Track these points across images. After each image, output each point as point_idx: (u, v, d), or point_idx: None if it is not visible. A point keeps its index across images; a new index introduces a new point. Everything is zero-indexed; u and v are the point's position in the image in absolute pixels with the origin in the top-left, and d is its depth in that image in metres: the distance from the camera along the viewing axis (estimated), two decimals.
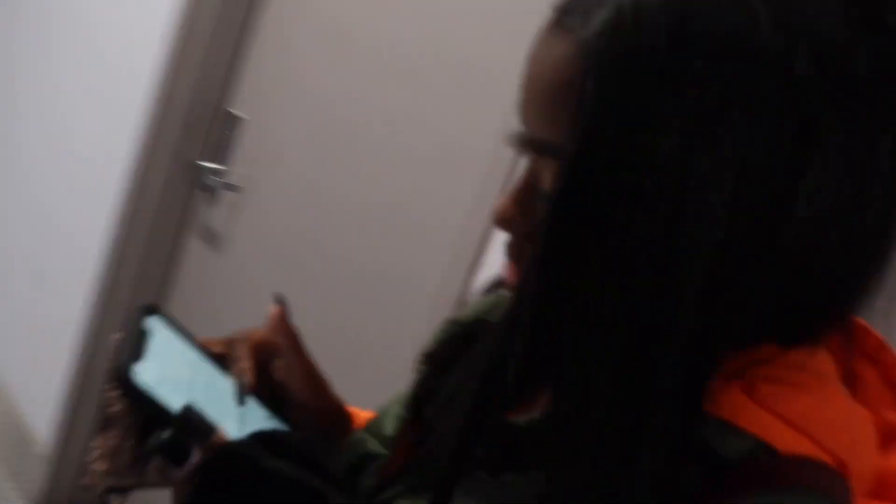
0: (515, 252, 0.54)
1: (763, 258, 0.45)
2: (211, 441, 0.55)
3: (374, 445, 0.66)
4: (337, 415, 0.71)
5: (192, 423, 0.55)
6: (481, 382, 0.50)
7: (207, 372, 0.65)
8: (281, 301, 0.67)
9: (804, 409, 0.48)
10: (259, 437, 0.56)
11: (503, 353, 0.49)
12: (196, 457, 0.55)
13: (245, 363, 0.64)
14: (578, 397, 0.46)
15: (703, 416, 0.46)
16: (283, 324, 0.66)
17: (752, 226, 0.44)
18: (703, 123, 0.43)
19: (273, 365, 0.68)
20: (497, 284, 0.64)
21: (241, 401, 0.63)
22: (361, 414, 0.73)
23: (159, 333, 0.64)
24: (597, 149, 0.45)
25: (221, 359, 0.66)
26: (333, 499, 0.54)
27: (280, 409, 0.67)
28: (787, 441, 0.46)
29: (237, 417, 0.62)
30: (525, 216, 0.52)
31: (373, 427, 0.68)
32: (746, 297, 0.46)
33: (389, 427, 0.67)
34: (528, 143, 0.51)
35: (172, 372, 0.60)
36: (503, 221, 0.53)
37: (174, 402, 0.57)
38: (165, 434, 0.55)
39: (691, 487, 0.46)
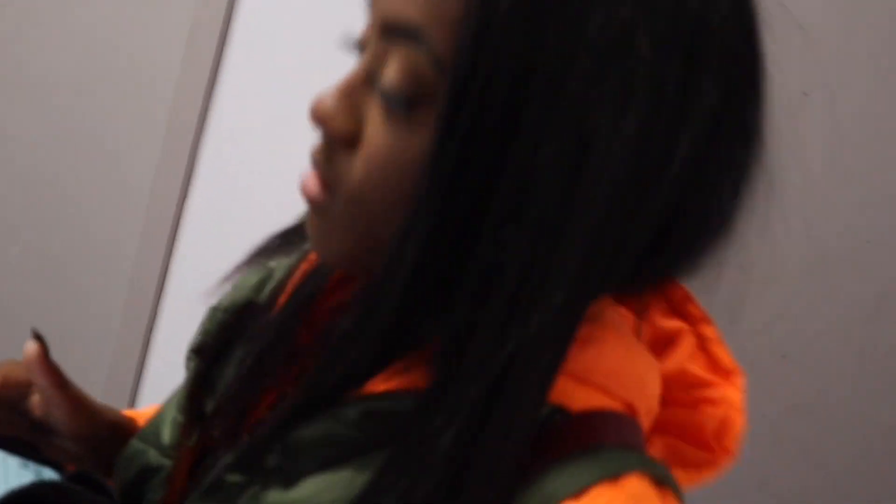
0: (323, 158, 0.45)
1: (643, 207, 0.41)
2: None
3: (153, 457, 0.60)
4: (114, 430, 0.66)
5: None
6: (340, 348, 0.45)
7: None
8: (39, 338, 0.60)
9: (590, 362, 0.46)
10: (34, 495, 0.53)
11: (372, 312, 0.42)
12: None
13: None
14: (466, 359, 0.40)
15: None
16: (44, 362, 0.60)
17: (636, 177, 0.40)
18: (616, 55, 0.38)
19: (28, 404, 0.64)
20: (263, 251, 0.58)
21: None
22: (144, 414, 0.68)
23: None
24: (492, 65, 0.38)
25: None
26: None
27: (40, 446, 0.65)
28: (578, 397, 0.45)
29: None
30: (351, 114, 0.44)
31: (149, 436, 0.62)
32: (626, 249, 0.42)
33: (167, 434, 0.61)
34: (382, 26, 0.42)
35: None
36: (323, 117, 0.44)
37: None
38: None
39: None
